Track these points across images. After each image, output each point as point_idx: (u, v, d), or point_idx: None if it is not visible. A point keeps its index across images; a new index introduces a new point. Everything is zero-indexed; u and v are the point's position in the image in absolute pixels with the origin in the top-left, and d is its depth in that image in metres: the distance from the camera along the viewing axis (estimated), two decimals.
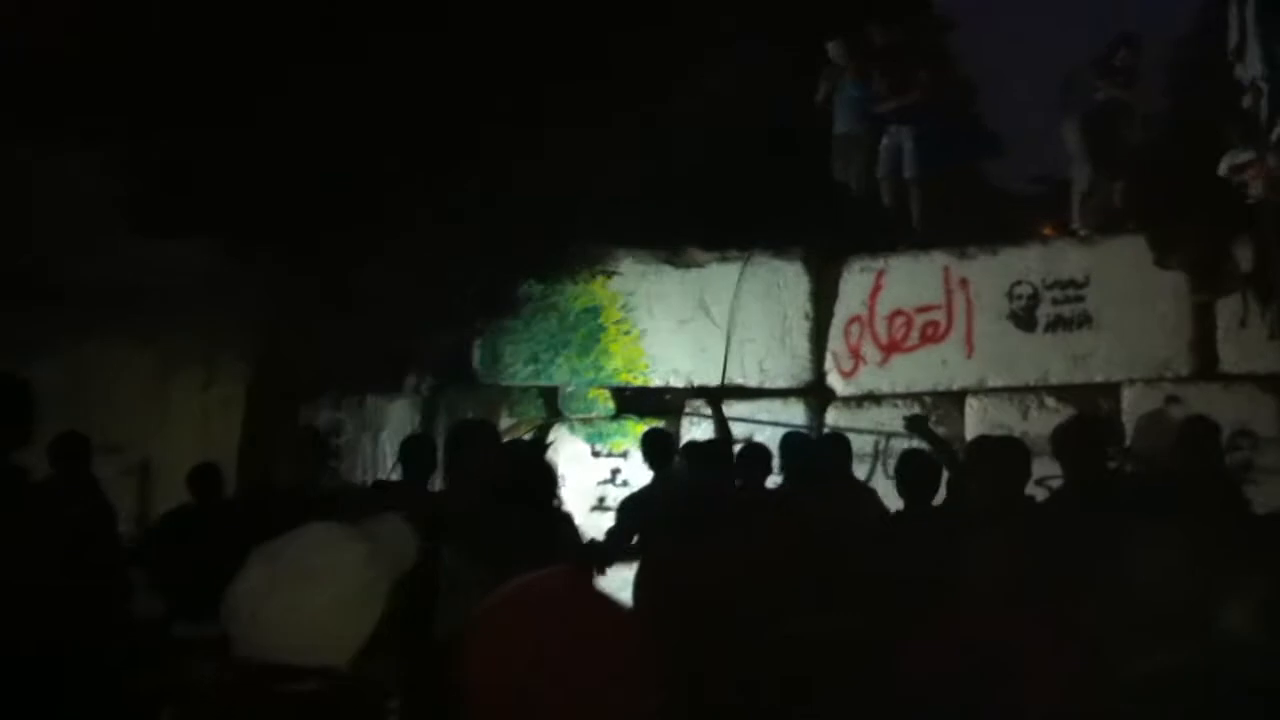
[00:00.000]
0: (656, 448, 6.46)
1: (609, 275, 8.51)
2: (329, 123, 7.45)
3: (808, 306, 8.40)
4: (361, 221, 7.84)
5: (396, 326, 8.38)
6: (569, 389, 8.69)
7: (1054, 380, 7.63)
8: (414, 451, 5.39)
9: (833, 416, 8.11)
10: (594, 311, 8.58)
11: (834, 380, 8.28)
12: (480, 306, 8.24)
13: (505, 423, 8.79)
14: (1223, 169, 7.62)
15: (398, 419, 8.84)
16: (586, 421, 8.59)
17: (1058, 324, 7.67)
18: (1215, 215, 7.60)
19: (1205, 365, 7.33)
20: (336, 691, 1.97)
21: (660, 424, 7.92)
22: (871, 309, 8.25)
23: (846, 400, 8.18)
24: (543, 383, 8.69)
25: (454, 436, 5.19)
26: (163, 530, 6.22)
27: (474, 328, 8.51)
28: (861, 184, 9.05)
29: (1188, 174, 8.09)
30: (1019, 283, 7.81)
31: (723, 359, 8.31)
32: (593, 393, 8.66)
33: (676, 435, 8.16)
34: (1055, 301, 7.70)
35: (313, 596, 1.97)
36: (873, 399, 8.09)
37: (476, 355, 8.74)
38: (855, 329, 8.28)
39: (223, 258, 8.09)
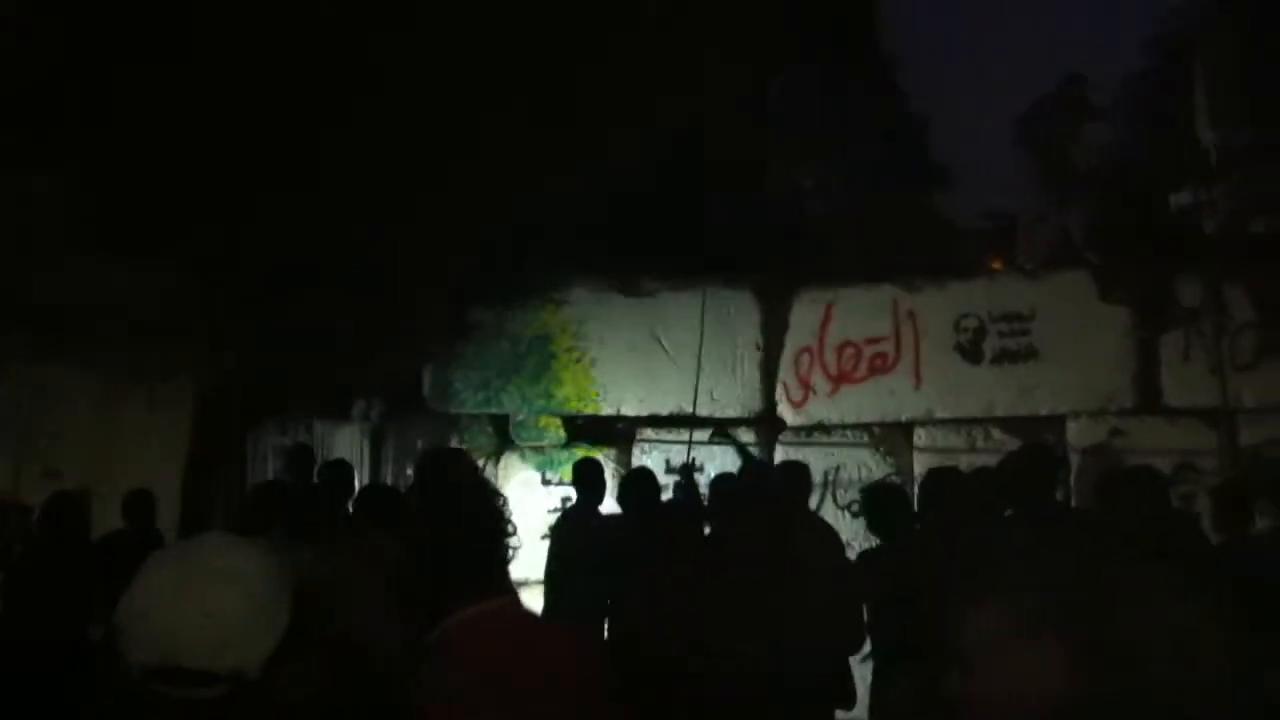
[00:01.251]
0: (590, 477, 6.51)
1: (560, 303, 8.50)
2: (277, 145, 7.40)
3: (758, 337, 8.44)
4: (311, 247, 7.77)
5: (345, 352, 8.31)
6: (519, 417, 8.67)
7: (1000, 412, 7.71)
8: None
9: (782, 447, 8.13)
10: (545, 339, 8.58)
11: (784, 410, 8.31)
12: (430, 333, 8.19)
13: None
14: (1171, 206, 7.75)
15: (345, 445, 8.78)
16: (537, 450, 8.57)
17: (1004, 357, 7.76)
18: (1160, 251, 7.75)
19: (1149, 399, 7.44)
20: (247, 696, 1.92)
21: (600, 453, 7.94)
22: (821, 340, 8.30)
23: (796, 430, 8.21)
24: (493, 410, 8.67)
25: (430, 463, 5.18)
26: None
27: (424, 354, 8.47)
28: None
29: (1134, 210, 8.25)
30: (966, 315, 7.89)
31: (694, 387, 8.32)
32: (543, 421, 8.64)
33: (629, 463, 8.20)
34: (1002, 334, 7.78)
35: (225, 596, 1.92)
36: (822, 429, 8.13)
37: (426, 382, 8.70)
38: (805, 359, 8.32)
39: (170, 281, 7.99)
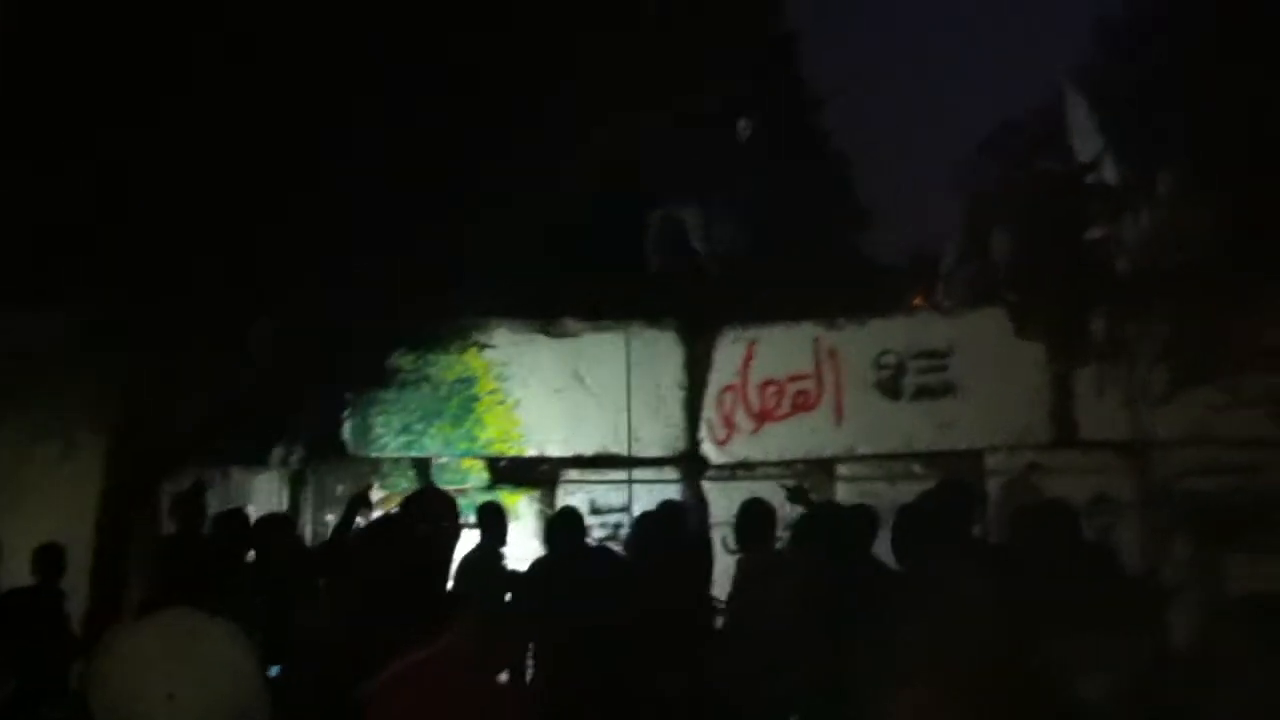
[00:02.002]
0: (490, 520, 6.47)
1: (483, 346, 8.46)
2: (193, 189, 7.30)
3: (681, 376, 8.45)
4: (229, 291, 7.66)
5: (264, 398, 8.19)
6: (441, 460, 8.59)
7: (920, 447, 7.79)
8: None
9: (706, 485, 8.14)
10: (468, 382, 8.53)
11: (708, 449, 8.32)
12: (351, 378, 8.10)
13: (376, 495, 8.65)
14: (1082, 242, 7.92)
15: (264, 492, 8.63)
16: (460, 493, 8.47)
17: (923, 393, 7.85)
18: (1073, 287, 7.90)
19: (1065, 432, 7.55)
20: None
21: (525, 495, 7.91)
22: (744, 378, 8.34)
23: (720, 468, 8.22)
24: (414, 454, 8.59)
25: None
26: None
27: (344, 399, 8.37)
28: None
29: (1050, 248, 8.40)
30: (885, 353, 7.98)
31: (618, 427, 8.31)
32: (466, 463, 8.57)
33: (553, 504, 8.15)
34: (920, 371, 7.88)
35: (189, 680, 1.92)
36: (745, 467, 8.15)
37: (346, 426, 8.60)
38: (728, 398, 8.36)
39: (82, 328, 7.83)
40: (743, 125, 9.43)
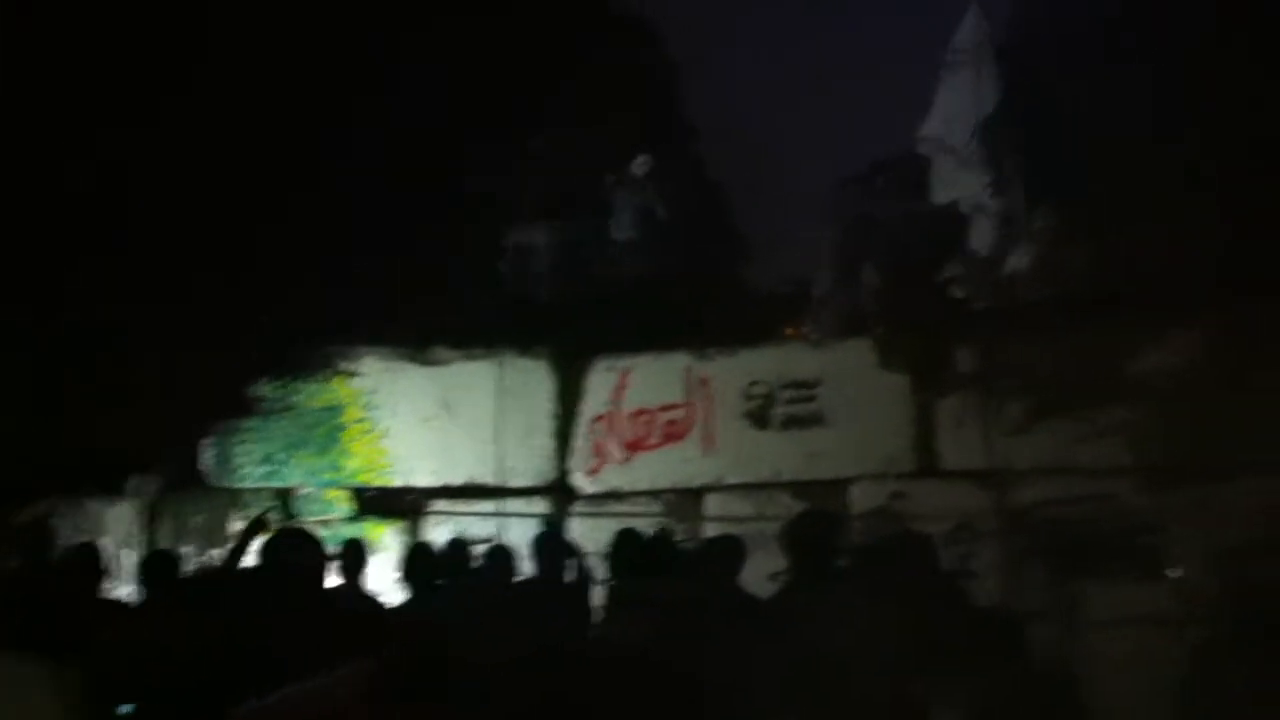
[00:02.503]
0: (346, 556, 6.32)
1: (350, 374, 8.28)
2: (49, 211, 7.06)
3: (552, 405, 8.38)
4: (81, 314, 7.40)
5: (119, 426, 7.91)
6: (304, 490, 8.38)
7: (788, 477, 7.83)
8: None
9: (575, 516, 8.07)
10: (334, 410, 8.35)
11: (578, 479, 8.26)
12: (208, 407, 7.86)
13: (235, 526, 8.41)
14: (941, 276, 8.08)
15: (119, 523, 8.33)
16: (324, 524, 8.26)
17: (791, 423, 7.90)
18: (937, 320, 8.06)
19: (927, 462, 7.67)
20: None
21: (391, 526, 7.75)
22: (615, 407, 8.31)
23: (589, 499, 8.17)
24: (277, 484, 8.36)
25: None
26: None
27: (202, 428, 8.12)
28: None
29: (915, 282, 8.56)
30: (755, 383, 8.02)
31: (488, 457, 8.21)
32: (331, 494, 8.37)
33: (418, 535, 8.00)
34: (789, 401, 7.93)
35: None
36: (615, 497, 8.11)
37: (205, 456, 8.34)
38: (600, 427, 8.31)
39: None
40: (640, 161, 9.48)
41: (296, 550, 4.85)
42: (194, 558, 7.94)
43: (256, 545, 6.08)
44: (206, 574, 6.71)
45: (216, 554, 8.13)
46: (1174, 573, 6.92)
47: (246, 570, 5.62)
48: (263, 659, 4.27)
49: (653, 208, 9.35)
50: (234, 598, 5.60)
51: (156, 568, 5.97)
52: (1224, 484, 6.85)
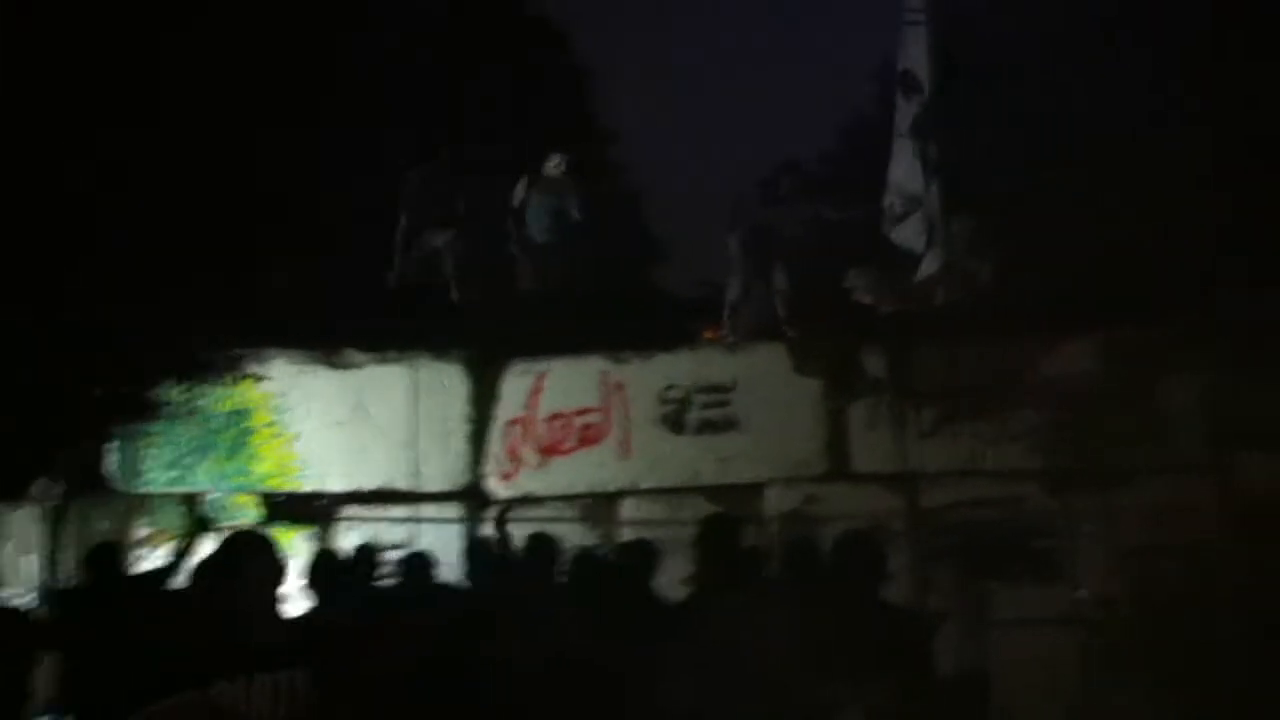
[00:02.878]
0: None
1: (260, 377, 8.14)
2: None
3: (468, 409, 8.33)
4: None
5: (19, 429, 7.69)
6: (213, 495, 8.23)
7: (703, 481, 7.86)
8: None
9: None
10: (243, 414, 8.21)
11: (493, 483, 8.22)
12: (112, 410, 7.67)
13: (142, 532, 8.24)
14: (848, 281, 8.18)
15: (22, 528, 8.11)
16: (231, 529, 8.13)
17: (706, 427, 7.94)
18: (847, 324, 8.16)
19: (839, 466, 7.76)
20: None
21: (302, 531, 7.65)
22: (532, 411, 8.28)
23: (505, 503, 8.12)
24: (184, 489, 8.20)
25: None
26: None
27: (106, 432, 7.93)
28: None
29: (826, 286, 8.65)
30: (671, 387, 8.05)
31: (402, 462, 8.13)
32: (240, 499, 8.23)
33: (330, 542, 7.90)
34: (704, 405, 7.98)
35: None
36: (531, 501, 8.08)
37: (111, 459, 8.16)
38: (515, 431, 8.28)
39: None
40: (554, 161, 9.45)
41: (252, 554, 4.78)
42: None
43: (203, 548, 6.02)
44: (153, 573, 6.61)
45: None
46: (1080, 591, 7.10)
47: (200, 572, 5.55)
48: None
49: (567, 209, 9.32)
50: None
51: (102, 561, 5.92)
52: (1124, 487, 7.05)
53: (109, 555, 6.26)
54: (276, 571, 4.89)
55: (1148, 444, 7.04)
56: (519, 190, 9.37)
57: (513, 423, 8.27)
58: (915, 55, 8.37)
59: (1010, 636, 6.97)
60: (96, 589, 6.09)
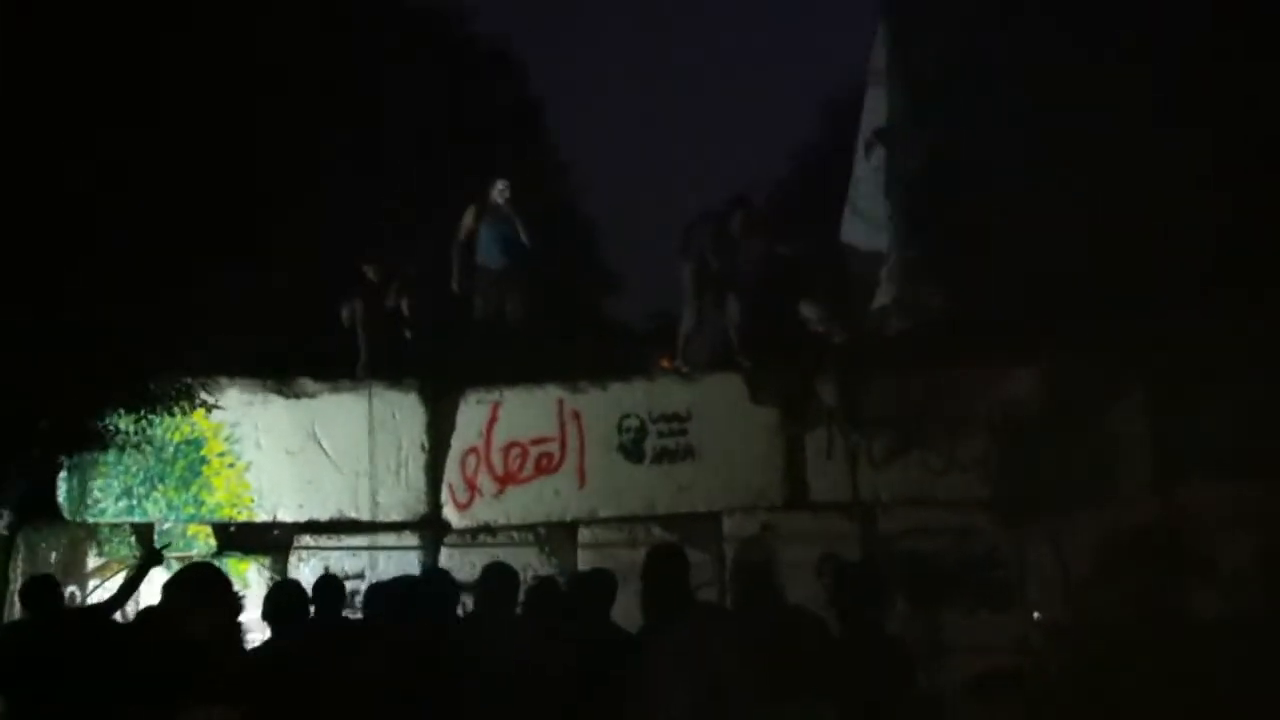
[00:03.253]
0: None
1: (212, 406, 8.07)
2: None
3: (423, 438, 8.31)
4: None
5: None
6: (165, 525, 8.15)
7: (661, 510, 7.92)
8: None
9: (447, 550, 8.00)
10: (195, 444, 8.15)
11: (449, 512, 8.20)
12: (60, 440, 7.57)
13: (93, 562, 8.14)
14: (803, 313, 8.26)
15: None
16: (184, 560, 8.04)
17: (664, 456, 8.00)
18: (802, 355, 8.24)
19: (796, 494, 7.83)
20: None
21: (256, 561, 7.61)
22: (488, 440, 8.28)
23: (462, 533, 8.11)
24: (136, 519, 8.12)
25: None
26: None
27: (56, 461, 7.83)
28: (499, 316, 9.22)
29: (779, 317, 8.72)
30: (627, 416, 8.10)
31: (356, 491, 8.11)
32: (192, 529, 8.16)
33: (285, 572, 7.84)
34: (661, 434, 8.03)
35: None
36: (488, 530, 8.08)
37: (61, 489, 8.06)
38: (471, 460, 8.27)
39: None
40: (500, 187, 9.46)
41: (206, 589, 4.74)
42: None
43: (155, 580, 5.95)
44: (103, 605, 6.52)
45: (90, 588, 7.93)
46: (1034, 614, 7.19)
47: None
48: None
49: (515, 235, 9.30)
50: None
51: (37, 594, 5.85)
52: (1068, 516, 7.16)
53: (43, 589, 6.13)
54: (231, 606, 4.88)
55: (1087, 472, 7.16)
56: (467, 219, 9.35)
57: (469, 451, 8.26)
58: (875, 118, 8.46)
59: (959, 663, 7.03)
60: (33, 623, 5.98)
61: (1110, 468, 7.22)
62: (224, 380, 8.14)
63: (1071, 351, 7.23)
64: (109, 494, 8.11)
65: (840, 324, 8.31)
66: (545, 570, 7.79)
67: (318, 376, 8.31)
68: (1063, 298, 7.03)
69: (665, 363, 9.39)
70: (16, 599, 6.47)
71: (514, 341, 9.00)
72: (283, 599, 5.70)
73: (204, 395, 7.98)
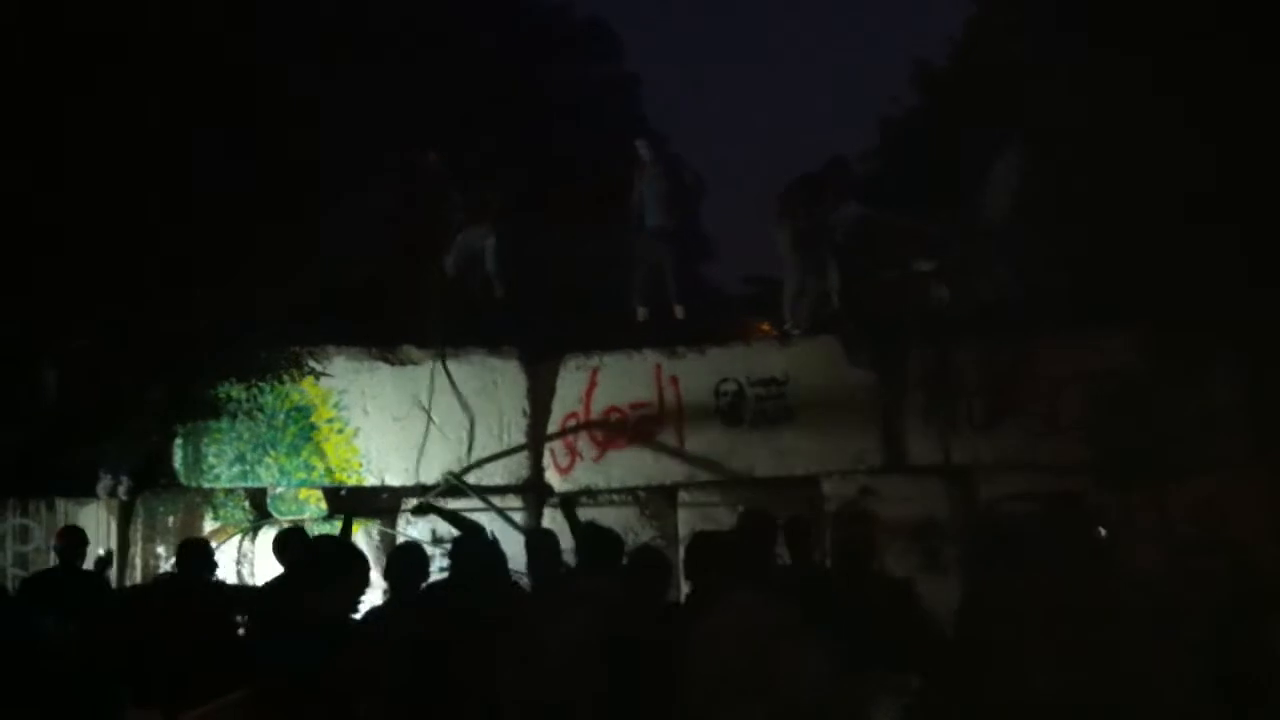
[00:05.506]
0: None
1: (320, 375, 8.30)
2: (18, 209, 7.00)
3: (525, 404, 8.44)
4: (47, 315, 7.36)
5: (87, 426, 7.88)
6: (277, 490, 8.41)
7: (759, 473, 7.95)
8: None
9: (550, 513, 8.13)
10: (305, 411, 8.37)
11: (551, 476, 8.34)
12: (173, 408, 7.85)
13: (209, 526, 8.43)
14: (899, 274, 8.20)
15: (91, 524, 8.32)
16: (298, 524, 8.30)
17: (761, 420, 8.02)
18: (902, 318, 8.20)
19: (895, 458, 7.81)
20: None
21: (365, 525, 7.84)
22: (587, 406, 8.38)
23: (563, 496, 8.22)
24: (249, 484, 8.40)
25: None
26: None
27: (170, 429, 8.12)
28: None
29: (879, 280, 8.69)
30: (725, 380, 8.13)
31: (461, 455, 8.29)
32: (303, 493, 8.41)
33: (394, 535, 8.04)
34: (759, 399, 8.05)
35: None
36: (589, 494, 8.19)
37: (177, 456, 8.36)
38: (571, 425, 8.39)
39: None
40: (643, 145, 9.61)
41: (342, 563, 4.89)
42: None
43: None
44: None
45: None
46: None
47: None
48: None
49: (667, 191, 9.45)
50: None
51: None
52: (1169, 481, 7.04)
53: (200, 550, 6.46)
54: (362, 579, 5.01)
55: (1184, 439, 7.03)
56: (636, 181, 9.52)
57: (569, 417, 8.38)
58: None
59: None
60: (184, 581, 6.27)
61: (1211, 433, 7.07)
62: (331, 349, 8.37)
63: (1172, 317, 7.09)
64: (223, 460, 8.37)
65: (939, 285, 8.24)
66: (647, 533, 7.91)
67: (421, 344, 8.48)
68: (1164, 264, 6.89)
69: (763, 329, 9.40)
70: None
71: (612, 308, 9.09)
72: (409, 560, 5.70)
73: (312, 364, 8.21)
